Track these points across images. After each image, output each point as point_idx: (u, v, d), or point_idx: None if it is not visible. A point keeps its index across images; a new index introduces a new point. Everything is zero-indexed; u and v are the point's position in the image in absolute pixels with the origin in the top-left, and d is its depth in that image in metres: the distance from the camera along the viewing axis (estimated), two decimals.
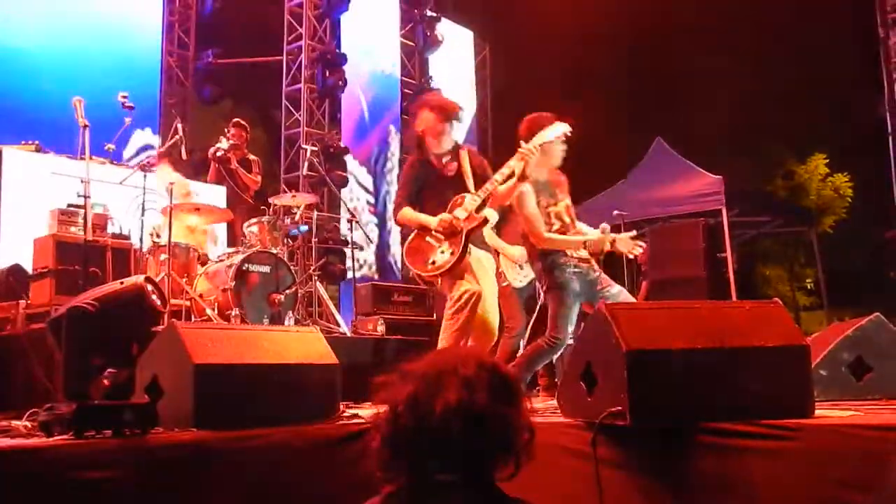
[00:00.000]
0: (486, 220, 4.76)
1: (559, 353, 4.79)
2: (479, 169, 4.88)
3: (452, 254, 4.68)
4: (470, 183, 4.82)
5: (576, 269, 4.59)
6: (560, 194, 4.75)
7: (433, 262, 4.73)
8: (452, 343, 4.63)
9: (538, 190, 4.64)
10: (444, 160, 4.89)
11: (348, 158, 12.20)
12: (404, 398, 1.80)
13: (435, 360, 1.86)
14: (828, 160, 22.25)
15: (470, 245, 4.76)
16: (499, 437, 1.80)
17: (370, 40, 13.59)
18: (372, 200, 13.26)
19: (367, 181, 13.23)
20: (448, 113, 4.86)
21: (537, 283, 5.67)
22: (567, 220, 4.71)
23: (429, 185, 4.88)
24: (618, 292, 4.67)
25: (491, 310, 4.86)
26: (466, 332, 4.68)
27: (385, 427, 1.82)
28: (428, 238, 4.76)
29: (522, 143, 4.53)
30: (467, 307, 4.64)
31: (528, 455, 1.86)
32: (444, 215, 4.72)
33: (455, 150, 4.92)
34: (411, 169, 4.97)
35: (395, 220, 5.08)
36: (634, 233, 4.88)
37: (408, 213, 4.85)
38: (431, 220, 4.74)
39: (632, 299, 4.97)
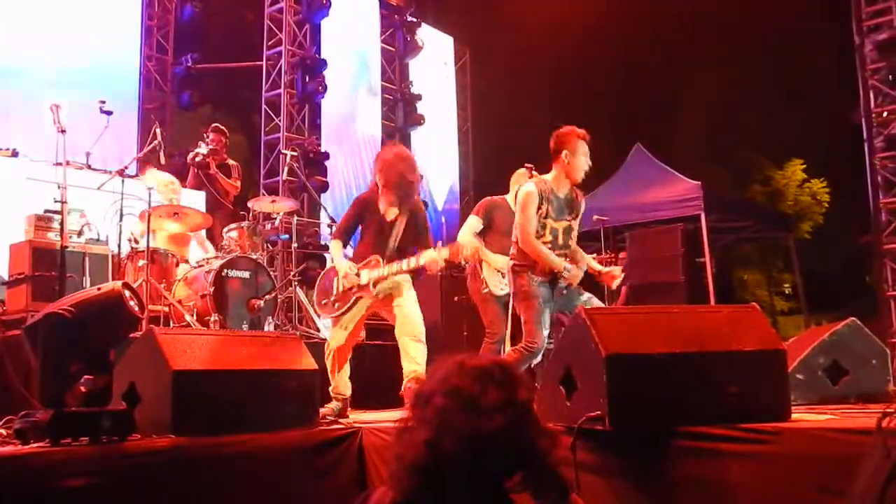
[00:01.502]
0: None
1: (538, 359, 4.84)
2: (413, 225, 5.27)
3: (337, 308, 5.18)
4: (396, 232, 5.21)
5: (541, 279, 4.76)
6: (569, 215, 4.92)
7: (324, 303, 5.28)
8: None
9: (549, 201, 4.80)
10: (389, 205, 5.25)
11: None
12: (440, 423, 1.79)
13: (454, 379, 1.84)
14: (805, 166, 22.43)
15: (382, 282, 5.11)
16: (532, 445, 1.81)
17: (350, 46, 13.58)
18: None
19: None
20: (405, 188, 5.21)
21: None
22: (561, 241, 4.87)
23: (367, 223, 5.30)
24: (587, 298, 4.82)
25: (417, 322, 5.12)
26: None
27: (417, 452, 1.79)
28: (335, 279, 5.23)
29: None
30: (329, 351, 5.18)
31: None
32: (351, 274, 5.10)
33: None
34: (356, 206, 5.42)
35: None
36: (620, 273, 5.02)
37: (335, 246, 5.34)
38: (341, 269, 5.17)
39: (600, 304, 5.07)
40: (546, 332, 4.73)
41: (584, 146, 4.85)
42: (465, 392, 1.79)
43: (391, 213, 5.23)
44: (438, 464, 1.76)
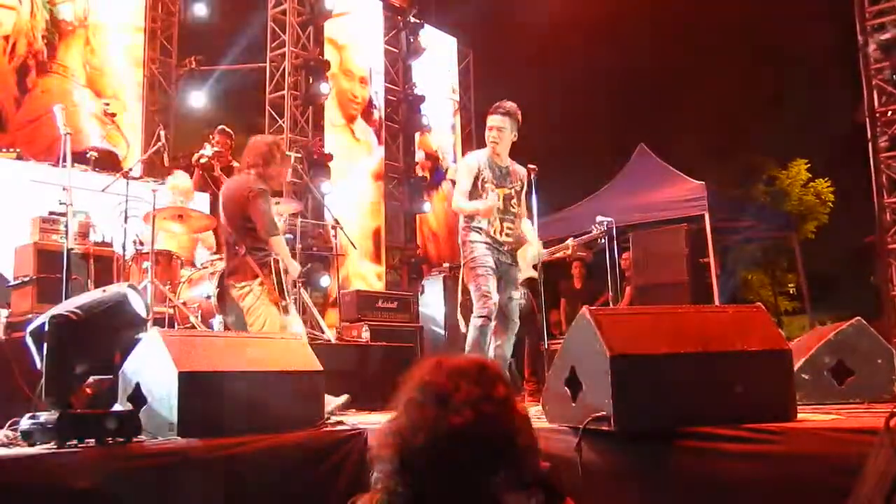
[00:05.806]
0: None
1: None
2: None
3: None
4: None
5: (486, 241, 5.22)
6: (511, 182, 5.42)
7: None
8: None
9: (490, 168, 5.35)
10: None
11: None
12: (411, 418, 1.79)
13: (428, 376, 1.84)
14: (809, 165, 22.37)
15: None
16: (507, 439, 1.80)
17: (354, 46, 13.60)
18: None
19: None
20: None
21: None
22: (501, 206, 5.31)
23: None
24: (519, 296, 5.39)
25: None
26: None
27: (393, 451, 1.79)
28: None
29: None
30: None
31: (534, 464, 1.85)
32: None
33: None
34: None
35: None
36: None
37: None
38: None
39: (516, 311, 5.40)
40: (496, 297, 5.12)
41: (491, 119, 5.47)
42: (436, 387, 1.79)
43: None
44: (412, 460, 1.76)
